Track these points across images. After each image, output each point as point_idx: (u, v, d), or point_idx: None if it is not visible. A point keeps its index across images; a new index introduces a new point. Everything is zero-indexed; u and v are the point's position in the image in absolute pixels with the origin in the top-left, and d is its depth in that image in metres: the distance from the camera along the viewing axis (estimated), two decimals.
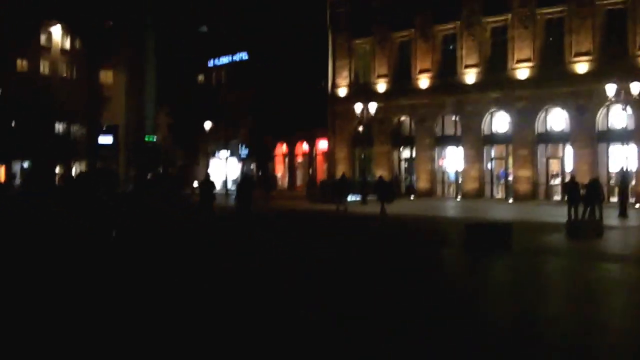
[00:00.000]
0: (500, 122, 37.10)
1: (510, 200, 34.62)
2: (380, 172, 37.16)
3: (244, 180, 29.14)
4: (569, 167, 33.66)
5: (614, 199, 28.23)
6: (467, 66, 37.35)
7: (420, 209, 29.83)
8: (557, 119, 34.99)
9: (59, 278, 11.56)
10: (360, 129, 38.07)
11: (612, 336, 8.08)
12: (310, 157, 48.45)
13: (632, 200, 29.11)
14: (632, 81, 26.51)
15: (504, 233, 15.63)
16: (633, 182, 30.02)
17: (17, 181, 50.42)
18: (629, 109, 28.26)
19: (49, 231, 19.02)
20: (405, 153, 41.82)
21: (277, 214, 27.31)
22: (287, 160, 50.17)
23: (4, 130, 47.60)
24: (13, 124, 49.16)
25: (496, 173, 37.79)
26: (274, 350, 7.23)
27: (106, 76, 60.14)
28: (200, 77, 57.43)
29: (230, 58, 53.63)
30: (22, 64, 54.16)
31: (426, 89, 39.16)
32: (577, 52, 33.16)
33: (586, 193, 21.26)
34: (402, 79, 40.21)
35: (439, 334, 7.89)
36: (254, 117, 49.18)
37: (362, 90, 41.38)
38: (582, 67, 33.06)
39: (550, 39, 34.48)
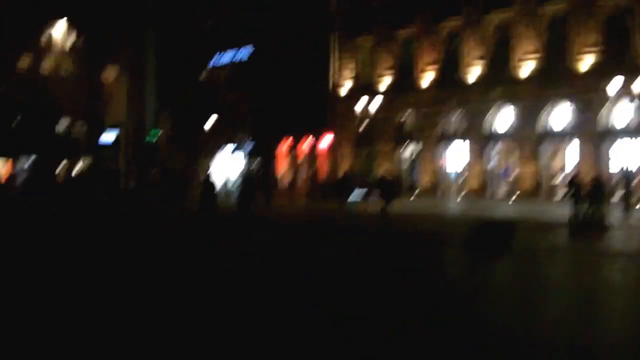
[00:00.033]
0: (503, 119, 36.97)
1: (513, 198, 34.53)
2: (383, 170, 37.08)
3: (246, 180, 29.10)
4: (572, 164, 33.55)
5: (618, 197, 28.10)
6: (470, 63, 37.24)
7: (423, 207, 29.75)
8: (560, 116, 34.87)
9: (58, 278, 11.52)
10: (362, 127, 38.01)
11: (613, 336, 8.02)
12: (312, 155, 48.40)
13: (635, 198, 28.99)
14: (635, 78, 26.41)
15: (507, 232, 15.52)
16: (636, 180, 29.89)
17: (20, 179, 50.46)
18: (634, 103, 28.12)
19: (48, 231, 18.99)
20: (408, 151, 41.74)
21: (279, 215, 27.23)
22: (288, 158, 50.12)
23: (6, 128, 47.67)
24: (15, 123, 49.20)
25: (499, 171, 37.69)
26: (274, 350, 7.19)
27: (108, 75, 60.13)
28: (202, 76, 57.41)
29: (231, 57, 53.60)
30: (23, 62, 54.16)
31: (429, 87, 39.05)
32: (581, 49, 33.01)
33: (590, 191, 21.15)
34: (404, 77, 40.11)
35: (439, 334, 7.85)
36: (255, 116, 49.16)
37: (364, 88, 41.32)
38: (586, 63, 32.92)
39: (554, 35, 34.33)
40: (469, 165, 37.67)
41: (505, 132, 36.83)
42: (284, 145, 49.81)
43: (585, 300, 10.15)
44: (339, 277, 11.81)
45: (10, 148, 48.32)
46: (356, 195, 32.77)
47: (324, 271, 12.52)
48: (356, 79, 42.84)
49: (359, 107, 36.36)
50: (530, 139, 35.09)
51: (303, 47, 45.24)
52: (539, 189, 35.01)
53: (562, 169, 34.89)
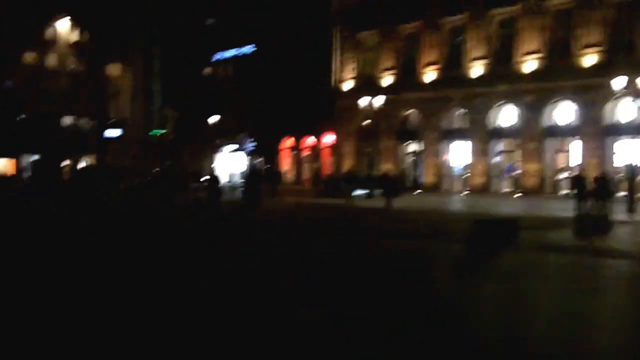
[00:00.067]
0: (507, 115, 36.85)
1: (517, 195, 34.42)
2: (387, 166, 37.02)
3: (252, 175, 29.13)
4: (576, 161, 33.43)
5: (622, 194, 27.95)
6: (473, 59, 37.10)
7: (426, 203, 29.68)
8: (564, 112, 34.72)
9: (57, 278, 11.50)
10: (366, 123, 37.93)
11: (614, 335, 7.96)
12: (315, 151, 48.36)
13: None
14: None
15: (510, 229, 15.43)
16: None
17: (25, 175, 50.49)
18: (638, 100, 27.98)
19: (48, 231, 18.98)
20: (412, 147, 41.64)
21: (283, 211, 27.17)
22: (293, 154, 50.11)
23: (11, 124, 47.70)
24: (18, 121, 49.23)
25: (503, 167, 37.59)
26: (274, 350, 7.16)
27: (113, 70, 60.15)
28: (206, 72, 57.44)
29: (235, 52, 53.59)
30: (28, 57, 54.19)
31: (432, 83, 38.94)
32: (585, 45, 32.83)
33: (594, 188, 21.03)
34: (408, 73, 40.01)
35: (439, 334, 7.81)
36: (258, 113, 49.12)
37: (367, 84, 41.23)
38: (590, 59, 32.75)
39: (558, 31, 34.16)
40: (473, 162, 37.56)
41: (509, 129, 36.71)
42: (289, 141, 49.80)
43: (588, 298, 10.06)
44: (338, 277, 11.76)
45: (13, 147, 48.34)
46: (359, 191, 32.73)
47: (324, 271, 12.46)
48: (359, 75, 42.74)
49: (362, 104, 36.26)
50: (534, 135, 34.96)
51: (305, 45, 45.17)
52: (542, 186, 34.90)
53: (566, 165, 34.78)
